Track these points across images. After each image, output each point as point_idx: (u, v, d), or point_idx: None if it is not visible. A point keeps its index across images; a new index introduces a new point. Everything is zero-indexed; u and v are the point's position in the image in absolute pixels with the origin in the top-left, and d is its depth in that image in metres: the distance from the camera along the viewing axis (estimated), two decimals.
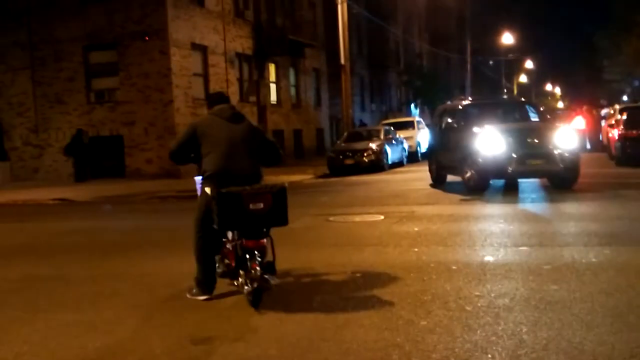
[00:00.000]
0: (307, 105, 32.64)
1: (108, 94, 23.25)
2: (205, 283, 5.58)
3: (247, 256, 5.19)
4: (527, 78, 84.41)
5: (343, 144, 22.93)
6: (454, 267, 6.20)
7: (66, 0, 23.01)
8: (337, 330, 4.51)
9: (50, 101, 23.55)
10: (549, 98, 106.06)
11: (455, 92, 49.72)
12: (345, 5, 25.89)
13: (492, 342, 4.07)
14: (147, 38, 21.91)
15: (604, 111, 27.22)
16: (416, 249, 7.27)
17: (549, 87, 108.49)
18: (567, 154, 11.94)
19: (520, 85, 79.77)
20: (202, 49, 24.02)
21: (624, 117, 18.69)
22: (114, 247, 8.80)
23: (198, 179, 5.88)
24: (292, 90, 31.39)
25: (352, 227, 9.42)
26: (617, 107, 22.57)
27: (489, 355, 3.86)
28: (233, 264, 5.47)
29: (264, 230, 5.29)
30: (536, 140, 12.29)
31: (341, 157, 21.79)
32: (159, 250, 8.37)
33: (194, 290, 5.63)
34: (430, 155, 16.17)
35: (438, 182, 14.95)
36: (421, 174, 19.33)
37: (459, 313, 4.72)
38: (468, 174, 12.59)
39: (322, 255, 7.40)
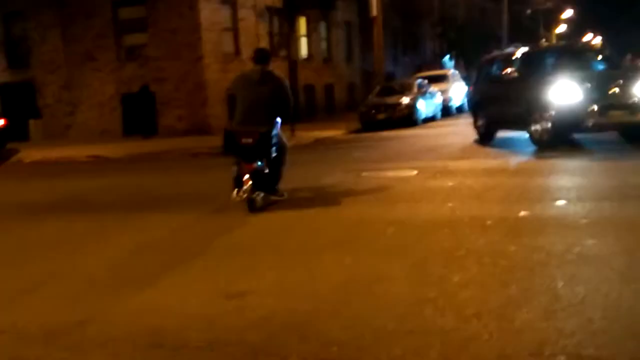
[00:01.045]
0: (339, 59, 32.23)
1: (138, 50, 23.24)
2: (235, 184, 7.66)
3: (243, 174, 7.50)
4: (567, 28, 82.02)
5: (375, 99, 22.66)
6: (488, 222, 6.09)
7: None
8: (369, 285, 4.48)
9: (80, 58, 23.65)
10: None
11: (492, 43, 48.61)
12: None
13: (526, 297, 3.99)
14: None
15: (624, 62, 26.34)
16: (450, 204, 7.16)
17: (589, 36, 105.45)
18: None
19: (559, 35, 77.61)
20: (232, 3, 23.74)
21: None
22: (152, 202, 8.88)
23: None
24: (323, 44, 30.98)
25: (385, 182, 9.32)
26: None
27: (524, 310, 3.79)
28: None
29: (254, 157, 7.50)
30: (617, 90, 11.05)
31: (373, 111, 21.57)
32: (190, 206, 8.41)
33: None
34: (475, 110, 14.73)
35: (486, 138, 13.85)
36: (455, 127, 19.10)
37: (493, 268, 4.64)
38: (539, 128, 11.45)
39: (354, 210, 7.35)
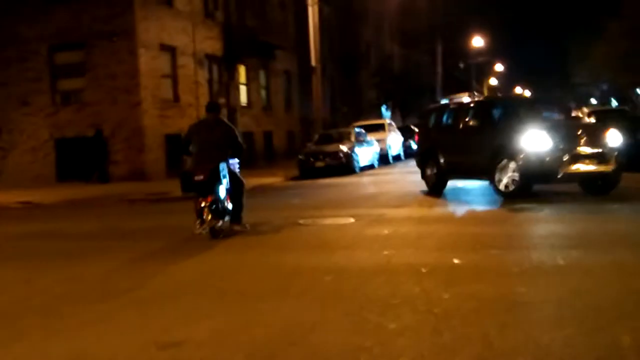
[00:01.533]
0: (278, 107, 32.55)
1: (74, 95, 22.90)
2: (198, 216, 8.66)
3: (203, 206, 8.54)
4: (497, 81, 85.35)
5: (314, 146, 22.89)
6: (423, 270, 6.18)
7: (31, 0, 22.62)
8: (305, 334, 4.46)
9: (14, 102, 23.11)
10: None
11: (426, 94, 50.03)
12: (316, 7, 25.89)
13: (460, 345, 4.05)
14: (115, 39, 21.64)
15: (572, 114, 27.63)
16: (386, 252, 7.24)
17: (518, 90, 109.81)
18: (614, 154, 10.84)
19: (490, 88, 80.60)
20: (171, 50, 23.80)
21: (592, 119, 19.07)
22: (78, 251, 8.63)
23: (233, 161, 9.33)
24: (263, 92, 31.29)
25: (323, 230, 9.37)
26: (585, 110, 22.96)
27: (457, 358, 3.84)
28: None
29: (207, 191, 8.58)
30: (584, 139, 10.85)
31: (312, 159, 21.75)
32: (127, 253, 8.23)
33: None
34: (425, 159, 13.90)
35: (437, 188, 13.29)
36: (392, 176, 19.43)
37: (428, 316, 4.70)
38: (504, 178, 11.12)
39: (291, 257, 7.34)
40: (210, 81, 26.45)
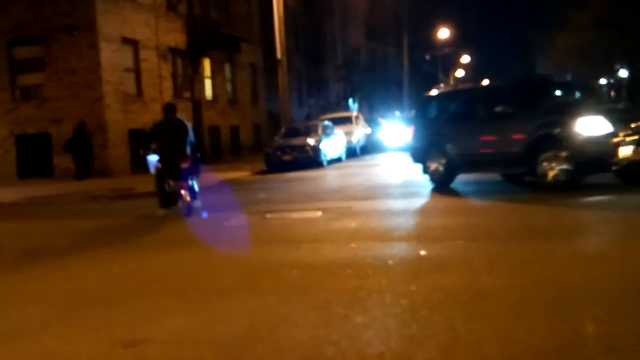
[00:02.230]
0: (244, 101, 32.33)
1: (34, 90, 22.42)
2: (162, 203, 10.79)
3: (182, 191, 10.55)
4: (464, 72, 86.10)
5: (280, 140, 22.79)
6: (390, 262, 6.19)
7: None
8: (272, 328, 4.43)
9: None
10: None
11: (393, 87, 50.27)
12: None
13: (427, 336, 4.06)
14: (75, 32, 21.21)
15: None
16: (353, 245, 7.24)
17: (485, 82, 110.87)
18: None
19: (456, 79, 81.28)
20: (133, 44, 23.43)
21: None
22: (41, 250, 8.46)
23: (152, 158, 10.82)
24: (228, 86, 31.02)
25: (289, 224, 9.33)
26: None
27: (424, 349, 3.84)
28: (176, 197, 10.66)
29: (187, 176, 10.50)
30: (633, 125, 9.82)
31: (279, 153, 21.65)
32: (88, 252, 8.09)
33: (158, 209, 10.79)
34: (425, 152, 12.57)
35: (445, 182, 12.11)
36: (360, 169, 19.46)
37: (395, 308, 4.70)
38: (553, 170, 10.04)
39: (258, 252, 7.30)
40: (174, 75, 26.14)
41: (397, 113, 40.21)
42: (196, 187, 10.88)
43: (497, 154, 11.09)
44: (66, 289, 6.14)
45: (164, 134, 10.74)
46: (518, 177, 11.54)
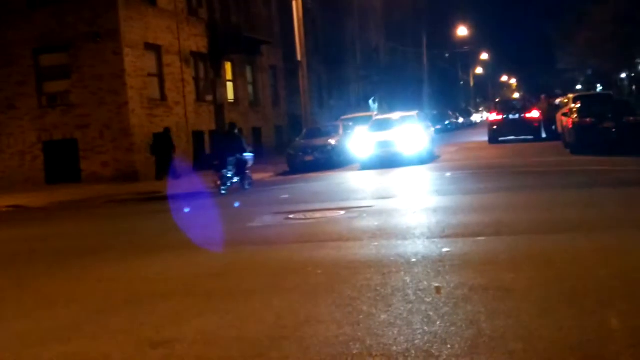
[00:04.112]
0: (266, 103, 32.47)
1: (60, 97, 22.76)
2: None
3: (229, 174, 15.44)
4: (483, 70, 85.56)
5: (302, 141, 22.87)
6: (413, 260, 6.23)
7: (14, 3, 22.44)
8: (298, 327, 4.49)
9: (1, 106, 22.96)
10: (505, 89, 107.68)
11: (412, 86, 50.09)
12: (300, 1, 25.82)
13: (451, 333, 4.10)
14: (99, 39, 21.50)
15: (557, 100, 27.73)
16: (376, 243, 7.28)
17: (504, 78, 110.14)
18: None
19: (476, 76, 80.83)
20: (156, 49, 23.68)
21: (578, 105, 19.05)
22: (72, 253, 8.62)
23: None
24: (250, 88, 31.19)
25: (313, 224, 9.39)
26: (570, 96, 23.00)
27: (449, 346, 3.88)
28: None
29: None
30: None
31: (300, 153, 21.74)
32: (118, 254, 8.22)
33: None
34: None
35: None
36: (380, 168, 19.42)
37: (419, 305, 4.74)
38: None
39: (282, 252, 7.37)
40: (196, 79, 26.36)
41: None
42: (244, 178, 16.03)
43: None
44: (95, 291, 6.27)
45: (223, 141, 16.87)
46: None
